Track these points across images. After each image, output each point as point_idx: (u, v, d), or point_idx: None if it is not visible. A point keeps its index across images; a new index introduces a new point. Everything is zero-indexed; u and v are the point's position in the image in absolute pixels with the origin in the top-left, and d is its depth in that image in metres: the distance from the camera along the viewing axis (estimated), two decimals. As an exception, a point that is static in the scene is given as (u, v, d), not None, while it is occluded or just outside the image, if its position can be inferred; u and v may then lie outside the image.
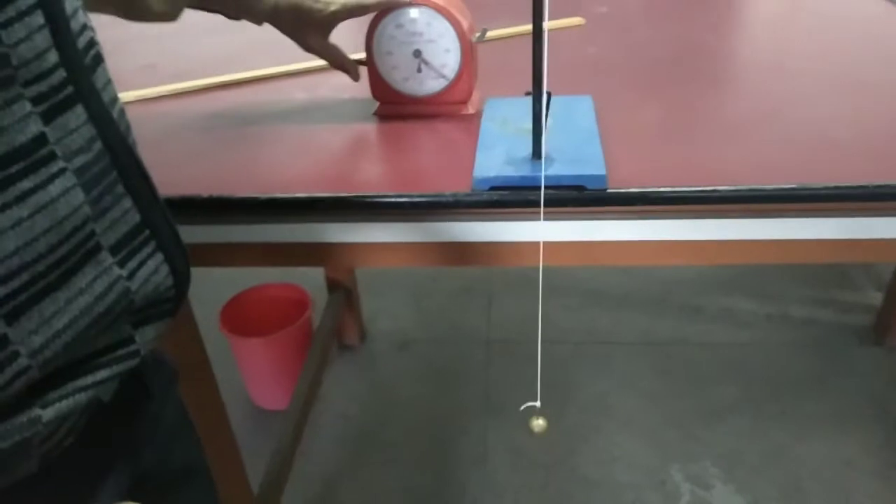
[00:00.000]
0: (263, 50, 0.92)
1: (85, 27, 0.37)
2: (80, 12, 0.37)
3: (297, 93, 0.80)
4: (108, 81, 0.39)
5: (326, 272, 1.61)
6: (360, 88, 0.80)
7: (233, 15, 0.68)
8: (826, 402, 1.45)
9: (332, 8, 0.67)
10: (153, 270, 0.39)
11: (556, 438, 1.39)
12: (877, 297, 1.70)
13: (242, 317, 1.47)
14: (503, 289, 1.85)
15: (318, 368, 1.44)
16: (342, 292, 1.61)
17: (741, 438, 1.38)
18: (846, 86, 0.73)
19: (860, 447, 1.34)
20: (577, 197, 0.55)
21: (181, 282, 0.41)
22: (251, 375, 1.51)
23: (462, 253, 0.62)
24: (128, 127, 0.40)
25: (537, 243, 0.52)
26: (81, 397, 0.36)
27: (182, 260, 0.41)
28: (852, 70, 0.76)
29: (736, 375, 1.54)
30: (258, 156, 0.66)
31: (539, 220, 0.57)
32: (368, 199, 0.58)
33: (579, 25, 0.98)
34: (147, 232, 0.39)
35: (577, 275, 1.89)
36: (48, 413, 0.35)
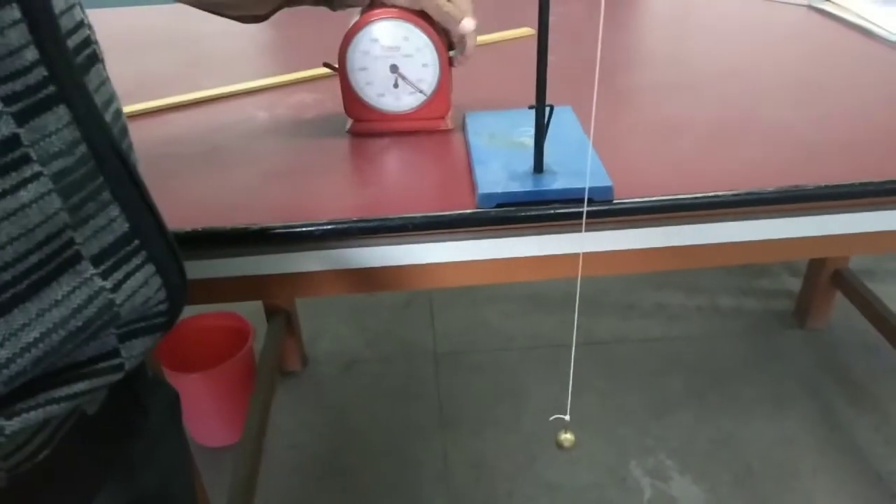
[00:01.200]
0: (207, 68, 0.86)
1: (80, 24, 0.34)
2: (77, 9, 0.34)
3: (258, 112, 0.75)
4: (104, 82, 0.36)
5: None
6: (323, 106, 0.77)
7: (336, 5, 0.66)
8: (762, 386, 1.53)
9: None
10: (142, 283, 0.36)
11: (516, 446, 1.39)
12: (793, 283, 1.81)
13: (180, 350, 1.38)
14: (444, 301, 1.84)
15: (265, 398, 1.37)
16: (283, 316, 1.54)
17: (690, 429, 1.43)
18: (803, 90, 0.76)
19: (799, 426, 1.43)
20: (585, 211, 0.55)
21: (175, 295, 0.38)
22: (193, 413, 1.42)
23: (462, 272, 0.60)
24: (123, 130, 0.38)
25: (566, 257, 0.51)
26: (54, 409, 0.34)
27: (177, 273, 0.38)
28: (806, 75, 0.80)
29: (677, 368, 1.59)
30: (235, 180, 0.62)
31: (547, 234, 0.56)
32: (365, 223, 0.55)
33: (530, 35, 0.98)
34: (136, 242, 0.36)
35: (514, 283, 1.90)
36: (13, 424, 0.32)
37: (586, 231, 0.56)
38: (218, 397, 1.39)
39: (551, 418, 0.56)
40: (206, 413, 1.41)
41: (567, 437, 0.55)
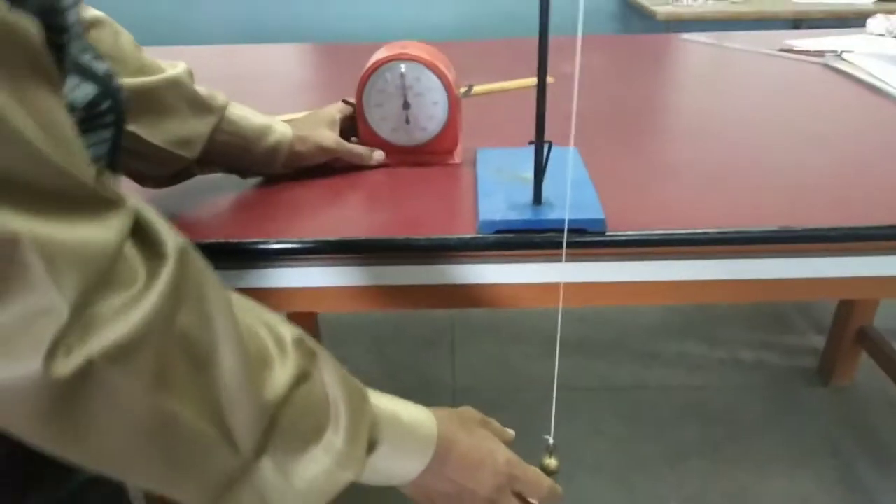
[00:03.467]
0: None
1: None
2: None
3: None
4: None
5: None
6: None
7: (249, 173, 0.71)
8: (781, 441, 1.51)
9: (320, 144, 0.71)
10: None
11: (526, 486, 1.39)
12: (817, 340, 1.79)
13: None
14: (466, 337, 1.86)
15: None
16: (306, 343, 1.59)
17: (704, 479, 1.42)
18: (805, 140, 0.79)
19: (815, 484, 1.40)
20: (580, 241, 0.58)
21: None
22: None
23: (470, 295, 0.64)
24: None
25: (551, 285, 0.54)
26: None
27: None
28: (803, 125, 0.83)
29: (695, 418, 1.58)
30: (258, 205, 0.67)
31: (546, 261, 0.60)
32: (373, 243, 0.59)
33: (550, 83, 1.03)
34: None
35: (535, 323, 1.92)
36: None
37: (576, 261, 0.60)
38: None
39: (543, 436, 0.59)
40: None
41: (551, 461, 0.57)
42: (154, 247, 0.35)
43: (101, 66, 0.42)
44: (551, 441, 0.59)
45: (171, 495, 0.39)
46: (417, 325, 1.92)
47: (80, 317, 0.30)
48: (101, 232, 0.32)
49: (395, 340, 1.86)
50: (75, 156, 0.32)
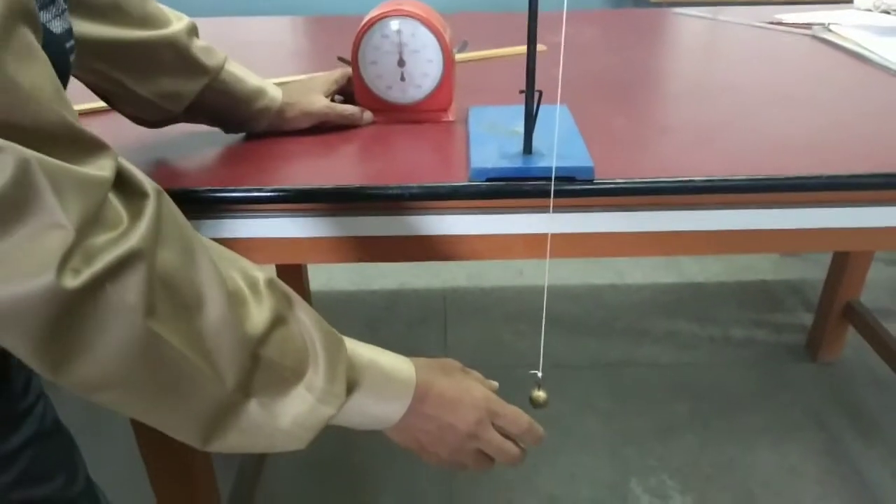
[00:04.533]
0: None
1: None
2: None
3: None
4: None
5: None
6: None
7: (232, 129, 0.72)
8: (769, 415, 1.53)
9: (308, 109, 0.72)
10: None
11: (517, 458, 1.41)
12: (806, 318, 1.81)
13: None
14: (458, 315, 1.87)
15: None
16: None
17: (694, 452, 1.44)
18: (790, 102, 0.80)
19: (802, 455, 1.42)
20: (570, 189, 0.59)
21: None
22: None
23: (455, 246, 0.65)
24: None
25: (540, 236, 0.55)
26: None
27: None
28: (789, 90, 0.85)
29: (684, 394, 1.60)
30: (261, 154, 0.68)
31: (536, 212, 0.61)
32: (368, 191, 0.60)
33: (542, 51, 1.04)
34: None
35: (528, 301, 1.94)
36: None
37: (565, 211, 0.61)
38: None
39: (530, 372, 0.60)
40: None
41: (539, 394, 0.58)
42: (133, 188, 0.37)
43: (58, 26, 0.43)
44: (540, 374, 0.60)
45: (163, 428, 0.40)
46: (409, 305, 1.93)
47: (82, 244, 0.32)
48: (95, 169, 0.34)
49: (386, 319, 1.87)
50: (66, 102, 0.35)
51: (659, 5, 2.28)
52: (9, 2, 0.32)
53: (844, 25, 1.10)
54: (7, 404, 0.51)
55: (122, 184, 0.37)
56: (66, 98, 0.35)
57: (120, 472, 0.97)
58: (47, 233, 0.31)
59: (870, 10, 1.25)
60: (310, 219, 0.63)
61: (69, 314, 0.32)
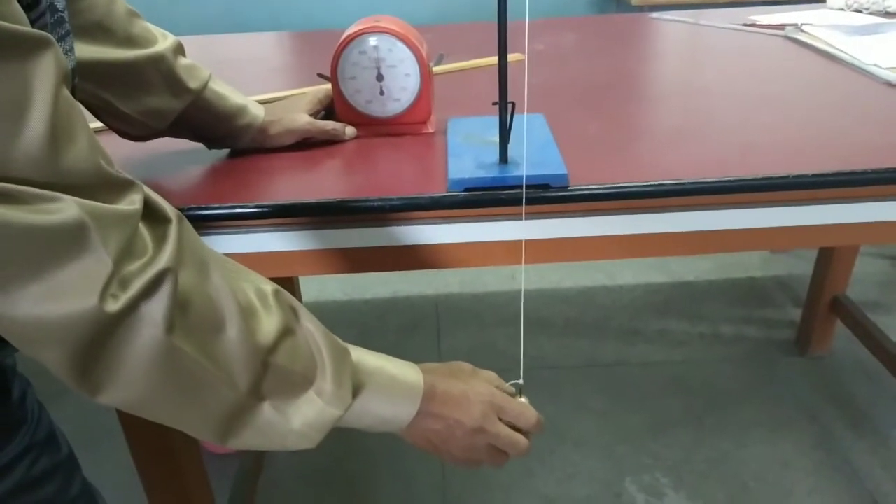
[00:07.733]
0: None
1: None
2: None
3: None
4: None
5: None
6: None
7: (215, 145, 0.74)
8: (760, 410, 1.55)
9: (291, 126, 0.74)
10: None
11: (512, 461, 1.42)
12: (795, 313, 1.83)
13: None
14: (451, 322, 1.89)
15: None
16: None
17: (687, 448, 1.45)
18: (761, 102, 0.83)
19: (795, 449, 1.44)
20: (545, 196, 0.61)
21: None
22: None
23: (437, 255, 0.67)
24: None
25: (518, 242, 0.57)
26: None
27: None
28: (761, 89, 0.87)
29: (677, 391, 1.62)
30: (249, 173, 0.70)
31: (515, 219, 0.63)
32: (350, 204, 0.62)
33: (520, 60, 1.06)
34: None
35: (519, 306, 1.96)
36: None
37: (540, 218, 0.63)
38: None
39: (509, 383, 0.62)
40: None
41: (522, 400, 0.60)
42: (157, 216, 0.41)
43: (71, 59, 0.46)
44: (521, 382, 0.62)
45: (183, 428, 0.44)
46: (401, 313, 1.95)
47: (118, 274, 0.37)
48: (127, 204, 0.39)
49: (379, 328, 1.88)
50: (100, 149, 0.39)
51: (641, 9, 2.32)
52: (58, 71, 0.36)
53: (816, 25, 1.13)
54: (5, 414, 0.52)
55: (149, 212, 0.41)
56: (98, 143, 0.39)
57: (117, 481, 0.98)
58: (92, 266, 0.36)
59: (842, 10, 1.28)
60: (294, 233, 0.65)
61: (106, 334, 0.37)
